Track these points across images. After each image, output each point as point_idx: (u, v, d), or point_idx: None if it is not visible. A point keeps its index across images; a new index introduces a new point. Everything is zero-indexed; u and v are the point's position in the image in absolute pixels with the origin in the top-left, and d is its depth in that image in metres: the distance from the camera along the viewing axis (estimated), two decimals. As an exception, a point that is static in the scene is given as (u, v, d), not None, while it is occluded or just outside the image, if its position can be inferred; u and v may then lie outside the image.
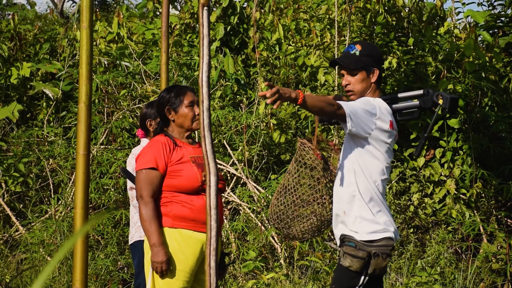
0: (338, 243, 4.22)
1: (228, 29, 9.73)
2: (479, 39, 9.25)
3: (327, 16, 9.02)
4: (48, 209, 8.33)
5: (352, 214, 4.08)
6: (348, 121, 3.96)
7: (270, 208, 4.54)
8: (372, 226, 4.05)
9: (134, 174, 5.35)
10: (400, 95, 4.42)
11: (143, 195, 4.21)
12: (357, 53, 4.23)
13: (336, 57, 7.76)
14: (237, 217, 8.18)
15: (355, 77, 4.23)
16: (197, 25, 9.79)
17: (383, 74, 7.72)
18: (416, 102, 4.33)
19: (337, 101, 4.00)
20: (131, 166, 5.42)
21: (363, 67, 4.20)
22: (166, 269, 4.15)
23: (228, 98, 9.09)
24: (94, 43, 10.04)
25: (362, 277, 4.04)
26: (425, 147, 8.32)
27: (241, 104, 9.19)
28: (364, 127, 4.03)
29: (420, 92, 4.35)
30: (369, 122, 4.04)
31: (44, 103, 9.68)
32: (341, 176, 4.18)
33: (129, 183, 5.39)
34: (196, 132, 8.09)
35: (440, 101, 4.25)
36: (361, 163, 4.08)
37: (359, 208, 4.07)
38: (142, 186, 4.23)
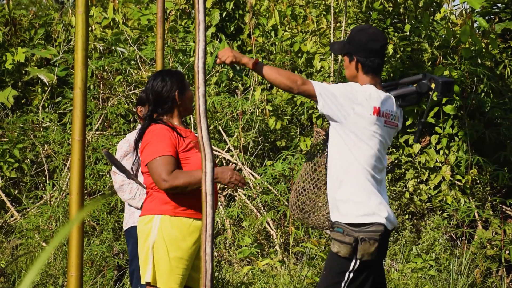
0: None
1: (223, 15, 9.69)
2: (475, 25, 9.23)
3: (323, 2, 8.99)
4: (43, 195, 8.33)
5: (341, 198, 4.07)
6: (319, 100, 4.00)
7: (290, 198, 4.54)
8: (361, 209, 4.03)
9: (121, 160, 5.32)
10: (401, 81, 4.39)
11: (163, 176, 4.13)
12: (346, 39, 4.26)
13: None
14: (232, 203, 8.19)
15: (344, 62, 4.27)
16: (192, 10, 9.75)
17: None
18: (413, 87, 4.30)
19: (308, 79, 4.05)
20: (122, 150, 5.37)
21: (346, 53, 4.22)
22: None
23: (223, 84, 9.07)
24: (90, 28, 9.99)
25: (353, 262, 4.04)
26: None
27: (236, 90, 9.17)
28: (338, 111, 4.01)
29: (419, 77, 4.32)
30: (345, 106, 4.01)
31: (39, 89, 9.64)
32: (329, 162, 4.18)
33: (113, 168, 5.33)
34: (191, 118, 8.08)
35: (433, 85, 4.23)
36: (345, 148, 4.07)
37: (347, 192, 4.06)
38: (160, 170, 4.14)
